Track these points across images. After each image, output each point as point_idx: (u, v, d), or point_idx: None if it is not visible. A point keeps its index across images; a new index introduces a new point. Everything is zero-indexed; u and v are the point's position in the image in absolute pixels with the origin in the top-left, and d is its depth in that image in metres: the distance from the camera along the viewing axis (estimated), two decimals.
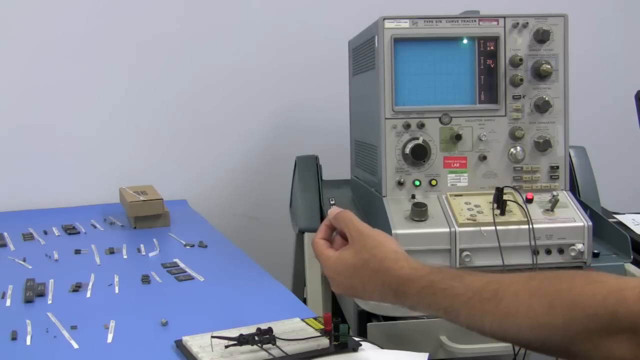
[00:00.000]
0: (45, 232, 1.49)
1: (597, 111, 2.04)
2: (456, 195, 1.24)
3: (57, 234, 1.49)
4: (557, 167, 1.27)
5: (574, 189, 1.47)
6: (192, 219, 1.67)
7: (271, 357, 0.79)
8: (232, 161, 1.94)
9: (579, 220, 1.19)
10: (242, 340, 0.79)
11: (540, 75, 1.24)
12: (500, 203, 1.18)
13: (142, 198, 1.55)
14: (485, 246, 1.16)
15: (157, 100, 1.86)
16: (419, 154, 1.23)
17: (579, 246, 1.17)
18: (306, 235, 1.44)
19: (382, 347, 0.87)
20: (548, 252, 1.18)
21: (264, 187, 1.95)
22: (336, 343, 0.83)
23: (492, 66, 1.25)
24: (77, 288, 1.11)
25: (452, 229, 1.16)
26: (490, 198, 1.20)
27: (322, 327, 0.85)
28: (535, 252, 1.16)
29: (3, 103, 1.76)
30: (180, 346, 0.85)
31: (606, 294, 0.61)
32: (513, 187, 1.24)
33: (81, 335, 0.91)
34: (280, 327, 0.86)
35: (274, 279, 1.16)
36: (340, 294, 0.89)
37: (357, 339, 0.86)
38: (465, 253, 1.16)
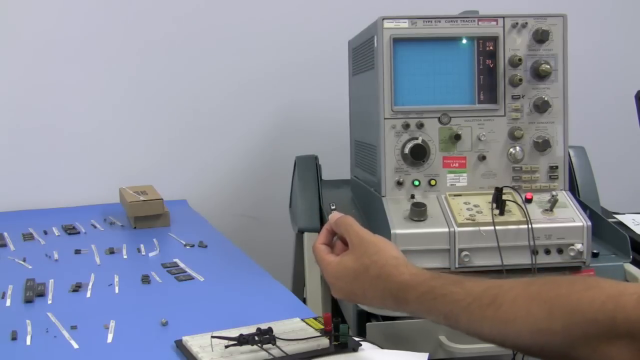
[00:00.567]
0: (45, 232, 1.50)
1: (597, 111, 2.04)
2: (455, 195, 1.24)
3: (57, 234, 1.49)
4: (557, 167, 1.27)
5: (573, 189, 1.47)
6: (192, 219, 1.67)
7: (271, 357, 0.80)
8: (232, 161, 1.94)
9: (578, 220, 1.19)
10: (242, 340, 0.79)
11: (540, 75, 1.24)
12: (499, 203, 1.18)
13: (142, 198, 1.56)
14: (484, 246, 1.16)
15: (157, 100, 1.86)
16: (418, 154, 1.23)
17: (578, 246, 1.17)
18: (306, 235, 1.44)
19: (381, 347, 0.87)
20: (547, 252, 1.18)
21: (264, 187, 1.95)
22: (336, 343, 0.84)
23: (491, 66, 1.25)
24: (77, 288, 1.11)
25: (451, 229, 1.16)
26: (490, 198, 1.20)
27: (322, 327, 0.86)
28: (534, 252, 1.16)
29: (3, 103, 1.76)
30: (180, 346, 0.85)
31: (605, 299, 0.61)
32: (512, 187, 1.24)
33: (81, 335, 0.91)
34: (280, 327, 0.86)
35: (274, 279, 1.16)
36: (340, 299, 0.90)
37: (357, 339, 0.86)
38: (464, 253, 1.16)
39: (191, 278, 1.16)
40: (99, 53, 1.80)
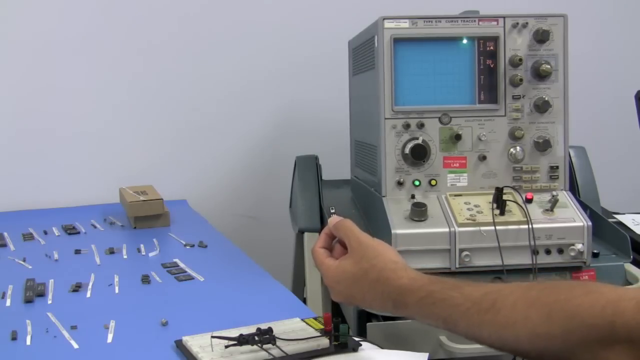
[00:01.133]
0: (45, 232, 1.49)
1: (597, 111, 2.04)
2: (456, 195, 1.24)
3: (57, 234, 1.49)
4: (557, 167, 1.27)
5: (573, 189, 1.47)
6: (192, 219, 1.67)
7: (271, 357, 0.80)
8: (232, 161, 1.94)
9: (579, 220, 1.19)
10: (242, 340, 0.79)
11: (540, 75, 1.24)
12: (499, 203, 1.18)
13: (142, 198, 1.56)
14: (484, 246, 1.16)
15: (157, 101, 1.86)
16: (418, 154, 1.23)
17: (579, 246, 1.17)
18: (306, 235, 1.44)
19: (382, 347, 0.87)
20: (547, 252, 1.18)
21: (264, 187, 1.95)
22: (336, 343, 0.84)
23: (491, 66, 1.25)
24: (77, 288, 1.11)
25: (452, 229, 1.16)
26: (490, 198, 1.20)
27: (322, 327, 0.86)
28: (534, 252, 1.16)
29: (3, 103, 1.76)
30: (180, 346, 0.85)
31: (604, 304, 0.61)
32: (513, 187, 1.24)
33: (81, 335, 0.91)
34: (280, 327, 0.86)
35: (274, 279, 1.16)
36: (340, 302, 0.90)
37: (357, 339, 0.86)
38: (464, 253, 1.16)
39: (191, 278, 1.16)
40: (99, 53, 1.80)
